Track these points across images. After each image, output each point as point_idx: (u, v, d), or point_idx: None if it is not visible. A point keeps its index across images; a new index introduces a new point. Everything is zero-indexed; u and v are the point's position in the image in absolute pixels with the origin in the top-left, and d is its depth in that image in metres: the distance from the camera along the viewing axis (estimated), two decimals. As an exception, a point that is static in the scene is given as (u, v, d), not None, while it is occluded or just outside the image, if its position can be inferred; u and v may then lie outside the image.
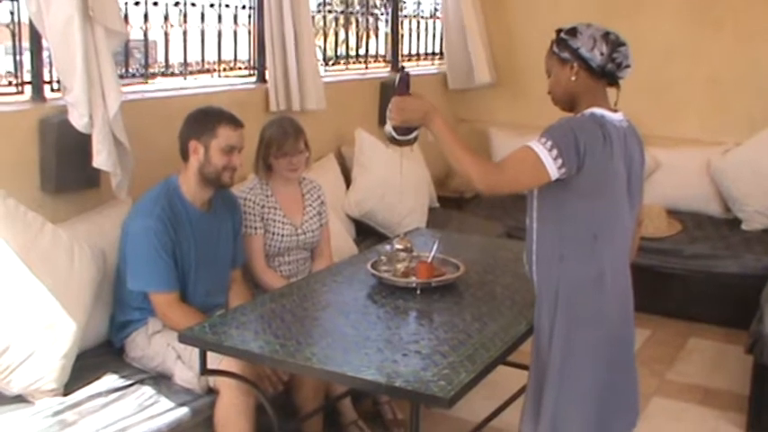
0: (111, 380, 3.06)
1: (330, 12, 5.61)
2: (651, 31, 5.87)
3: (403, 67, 2.80)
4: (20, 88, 3.52)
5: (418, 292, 3.08)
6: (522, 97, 6.38)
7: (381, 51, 6.13)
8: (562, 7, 6.10)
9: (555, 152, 2.42)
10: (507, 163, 2.53)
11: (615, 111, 2.61)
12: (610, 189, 2.54)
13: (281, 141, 3.64)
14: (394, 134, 2.67)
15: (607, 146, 2.48)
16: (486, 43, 6.39)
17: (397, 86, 2.67)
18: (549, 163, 2.43)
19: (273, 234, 3.66)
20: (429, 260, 3.19)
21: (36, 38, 3.41)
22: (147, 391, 3.01)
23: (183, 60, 4.30)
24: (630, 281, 2.69)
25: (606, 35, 2.56)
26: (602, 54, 2.54)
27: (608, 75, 2.58)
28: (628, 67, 2.58)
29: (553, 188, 2.52)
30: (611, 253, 2.59)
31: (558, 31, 2.63)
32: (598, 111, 2.55)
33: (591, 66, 2.55)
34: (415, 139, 2.70)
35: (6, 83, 3.51)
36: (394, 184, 4.46)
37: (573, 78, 2.58)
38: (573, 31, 2.58)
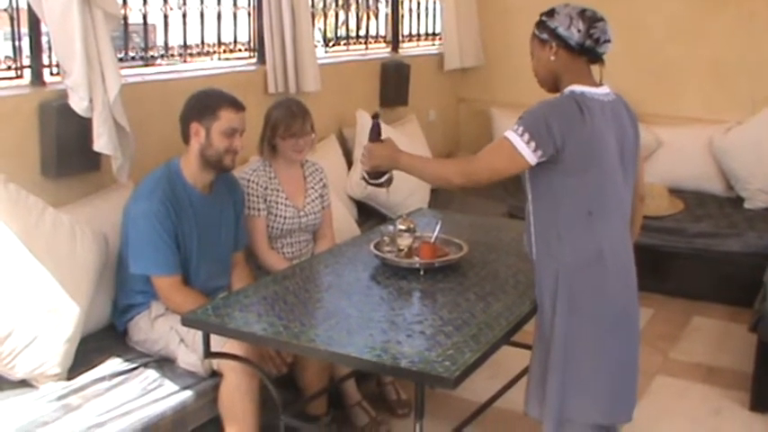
0: (114, 364, 3.06)
1: (330, -8, 5.58)
2: (652, 10, 5.85)
3: (376, 114, 2.94)
4: (19, 72, 3.50)
5: (421, 272, 3.07)
6: (520, 77, 6.27)
7: (382, 32, 6.10)
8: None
9: (527, 136, 2.48)
10: (482, 153, 2.64)
11: (599, 85, 2.62)
12: (597, 162, 2.55)
13: (289, 123, 3.62)
14: (367, 177, 2.95)
15: (587, 120, 2.50)
16: (474, 24, 6.35)
17: (369, 134, 2.91)
18: (523, 148, 2.49)
19: (276, 216, 3.65)
20: (432, 240, 3.19)
21: (35, 22, 3.38)
22: (150, 374, 3.01)
23: (182, 43, 4.27)
24: (632, 255, 2.69)
25: (582, 12, 2.58)
26: (579, 31, 2.55)
27: (588, 51, 2.59)
28: (607, 41, 2.59)
29: (542, 169, 2.55)
30: (609, 228, 2.59)
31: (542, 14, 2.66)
32: (578, 88, 2.58)
33: (569, 44, 2.58)
34: (388, 181, 2.95)
35: (6, 67, 3.49)
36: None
37: (552, 58, 2.61)
38: (551, 12, 2.62)
